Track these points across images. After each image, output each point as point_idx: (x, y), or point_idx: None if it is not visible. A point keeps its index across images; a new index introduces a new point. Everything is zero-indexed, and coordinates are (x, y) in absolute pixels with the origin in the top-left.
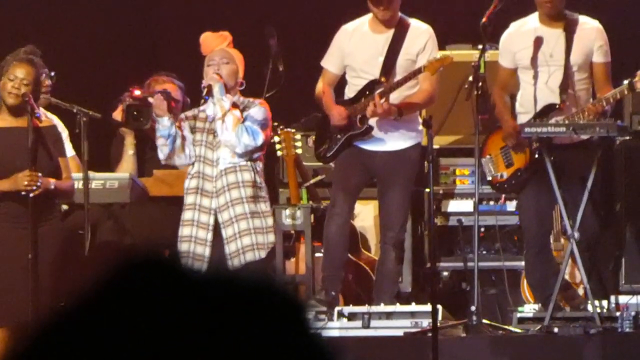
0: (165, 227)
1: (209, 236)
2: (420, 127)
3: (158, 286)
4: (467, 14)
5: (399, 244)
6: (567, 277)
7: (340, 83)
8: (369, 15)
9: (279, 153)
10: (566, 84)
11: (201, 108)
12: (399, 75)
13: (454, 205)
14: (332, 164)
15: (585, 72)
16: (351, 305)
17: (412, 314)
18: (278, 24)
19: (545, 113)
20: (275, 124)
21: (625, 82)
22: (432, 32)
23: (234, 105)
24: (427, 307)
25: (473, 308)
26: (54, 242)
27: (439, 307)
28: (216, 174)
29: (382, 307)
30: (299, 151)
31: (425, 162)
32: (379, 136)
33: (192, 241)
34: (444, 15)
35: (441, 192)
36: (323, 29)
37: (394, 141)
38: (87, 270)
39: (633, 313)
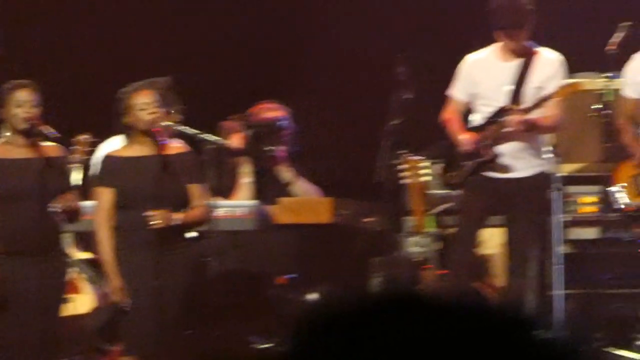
0: (290, 254)
1: None
2: (546, 155)
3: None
4: (595, 42)
5: (526, 271)
6: None
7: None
8: (496, 45)
9: (404, 181)
10: None
11: None
12: (525, 102)
13: (579, 233)
14: (459, 192)
15: None
16: None
17: None
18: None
19: None
20: (402, 152)
21: None
22: (562, 59)
23: None
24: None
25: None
26: (183, 271)
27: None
28: None
29: None
30: (426, 179)
31: (551, 190)
32: (505, 163)
33: None
34: (570, 44)
35: (566, 219)
36: (450, 57)
37: (521, 168)
38: (211, 297)
39: None
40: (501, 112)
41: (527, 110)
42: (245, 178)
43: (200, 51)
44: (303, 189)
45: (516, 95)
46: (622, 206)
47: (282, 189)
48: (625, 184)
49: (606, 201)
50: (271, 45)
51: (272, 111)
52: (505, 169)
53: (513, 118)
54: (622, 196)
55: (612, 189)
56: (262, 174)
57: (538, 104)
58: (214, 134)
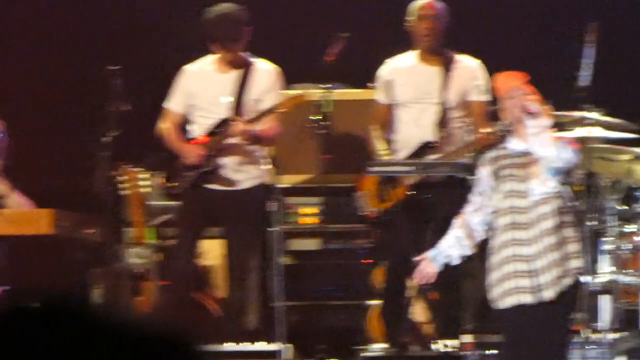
0: (7, 266)
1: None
2: (265, 167)
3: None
4: (313, 53)
5: (246, 282)
6: (417, 316)
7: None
8: (213, 56)
9: (123, 192)
10: (442, 122)
11: (500, 146)
12: (246, 114)
13: (300, 244)
14: (179, 202)
15: (461, 110)
16: None
17: (261, 353)
18: (124, 63)
19: (421, 151)
20: (120, 163)
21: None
22: (279, 71)
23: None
24: (276, 346)
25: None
26: None
27: (288, 345)
28: (529, 205)
29: (231, 346)
30: (145, 190)
31: (271, 201)
32: (225, 175)
33: (517, 276)
34: (289, 55)
35: (286, 231)
36: (168, 69)
37: (240, 181)
38: None
39: (478, 353)
40: (223, 123)
41: (250, 121)
42: None
43: None
44: (18, 201)
45: (237, 107)
46: (364, 213)
47: None
48: (369, 191)
49: (326, 212)
50: None
51: None
52: (226, 180)
53: (236, 129)
54: (364, 203)
55: (358, 195)
56: None
57: (260, 116)
58: None
